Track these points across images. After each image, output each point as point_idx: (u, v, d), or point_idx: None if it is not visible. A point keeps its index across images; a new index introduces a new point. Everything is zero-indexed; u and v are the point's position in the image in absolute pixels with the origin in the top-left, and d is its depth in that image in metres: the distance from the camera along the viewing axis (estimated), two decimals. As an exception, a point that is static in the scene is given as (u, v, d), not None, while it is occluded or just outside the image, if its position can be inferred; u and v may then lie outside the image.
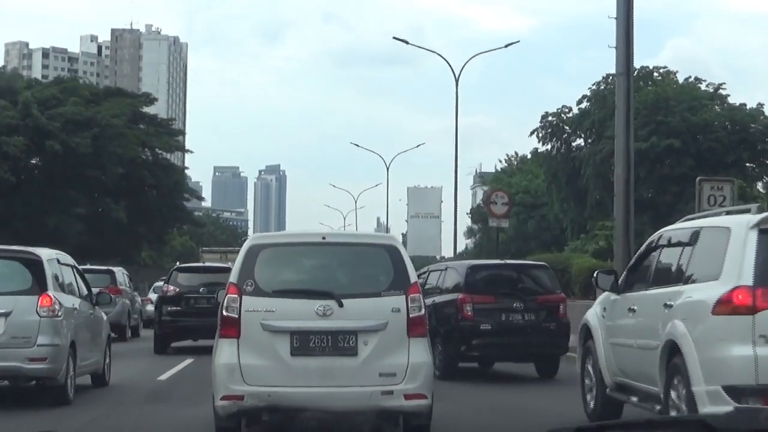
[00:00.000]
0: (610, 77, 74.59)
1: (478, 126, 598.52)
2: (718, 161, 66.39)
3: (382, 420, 10.04)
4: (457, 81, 44.47)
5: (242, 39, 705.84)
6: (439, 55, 44.95)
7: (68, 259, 15.35)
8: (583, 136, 75.51)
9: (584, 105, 74.54)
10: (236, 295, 9.71)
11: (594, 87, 73.97)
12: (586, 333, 12.71)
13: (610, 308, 12.11)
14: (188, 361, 20.04)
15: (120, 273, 29.96)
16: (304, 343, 9.63)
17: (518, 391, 16.62)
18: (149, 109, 68.18)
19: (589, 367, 12.48)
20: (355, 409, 9.70)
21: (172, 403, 13.87)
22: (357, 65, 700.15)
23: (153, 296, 33.27)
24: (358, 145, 77.10)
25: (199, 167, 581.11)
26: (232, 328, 9.67)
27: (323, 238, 10.45)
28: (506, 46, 46.13)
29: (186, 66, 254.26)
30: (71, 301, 14.31)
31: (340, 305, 9.68)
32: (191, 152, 75.70)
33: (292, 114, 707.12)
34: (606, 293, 12.40)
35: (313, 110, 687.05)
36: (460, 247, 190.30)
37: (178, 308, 23.47)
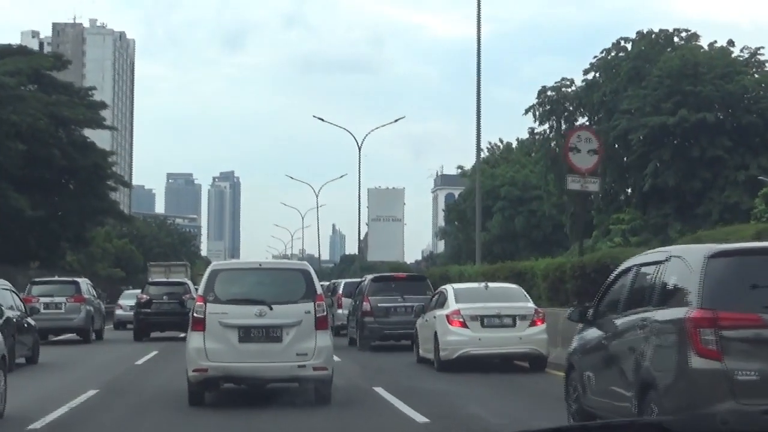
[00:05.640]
0: (621, 41, 63.17)
1: (436, 133, 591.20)
2: (761, 140, 54.92)
3: (300, 384, 14.33)
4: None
5: (200, 46, 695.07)
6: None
7: None
8: (587, 114, 63.88)
9: (590, 76, 62.92)
10: (202, 303, 14.02)
11: (602, 54, 62.27)
12: None
13: None
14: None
15: (84, 283, 33.65)
16: (247, 334, 13.88)
17: None
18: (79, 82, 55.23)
19: None
20: (281, 378, 14.20)
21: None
22: (316, 72, 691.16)
23: (122, 302, 42.04)
24: (322, 120, 64.72)
25: (152, 174, 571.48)
26: (200, 324, 13.91)
27: (260, 264, 15.36)
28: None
29: (133, 63, 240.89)
30: None
31: (271, 309, 13.94)
32: (116, 129, 61.56)
33: (248, 121, 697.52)
34: None
35: (270, 117, 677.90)
36: (423, 251, 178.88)
37: (149, 310, 32.51)
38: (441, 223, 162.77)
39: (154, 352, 25.61)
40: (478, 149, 35.86)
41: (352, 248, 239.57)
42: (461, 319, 19.60)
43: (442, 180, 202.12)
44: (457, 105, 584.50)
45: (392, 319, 25.82)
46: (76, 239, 57.66)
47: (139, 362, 22.68)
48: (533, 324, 19.68)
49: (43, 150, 47.48)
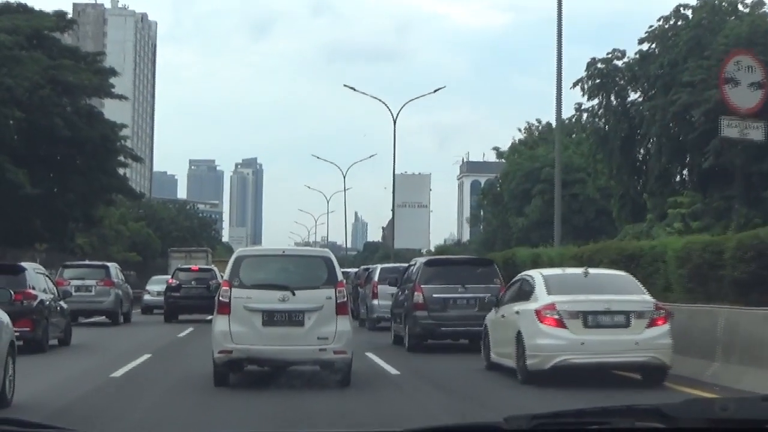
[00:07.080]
0: (681, 8, 57.74)
1: (460, 121, 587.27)
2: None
3: (322, 368, 14.71)
4: None
5: (226, 33, 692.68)
6: None
7: None
8: (640, 88, 58.51)
9: (645, 47, 57.52)
10: (228, 288, 14.60)
11: (660, 23, 56.81)
12: None
13: None
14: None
15: (113, 268, 34.97)
16: (270, 318, 14.44)
17: None
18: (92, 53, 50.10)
19: None
20: (302, 360, 14.82)
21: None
22: (341, 61, 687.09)
23: (150, 288, 42.49)
24: (354, 89, 59.79)
25: (174, 160, 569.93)
26: (225, 308, 14.47)
27: (283, 251, 16.13)
28: None
29: (155, 46, 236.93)
30: None
31: (294, 294, 14.41)
32: (126, 99, 56.46)
33: (272, 108, 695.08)
34: None
35: (295, 105, 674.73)
36: (453, 237, 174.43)
37: (178, 294, 35.27)
38: (467, 209, 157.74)
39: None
40: (559, 107, 30.70)
41: (374, 236, 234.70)
42: (557, 316, 14.63)
43: (468, 167, 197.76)
44: (482, 94, 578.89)
45: (450, 314, 20.72)
46: (84, 218, 52.71)
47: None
48: (653, 324, 14.68)
49: (44, 119, 42.55)
